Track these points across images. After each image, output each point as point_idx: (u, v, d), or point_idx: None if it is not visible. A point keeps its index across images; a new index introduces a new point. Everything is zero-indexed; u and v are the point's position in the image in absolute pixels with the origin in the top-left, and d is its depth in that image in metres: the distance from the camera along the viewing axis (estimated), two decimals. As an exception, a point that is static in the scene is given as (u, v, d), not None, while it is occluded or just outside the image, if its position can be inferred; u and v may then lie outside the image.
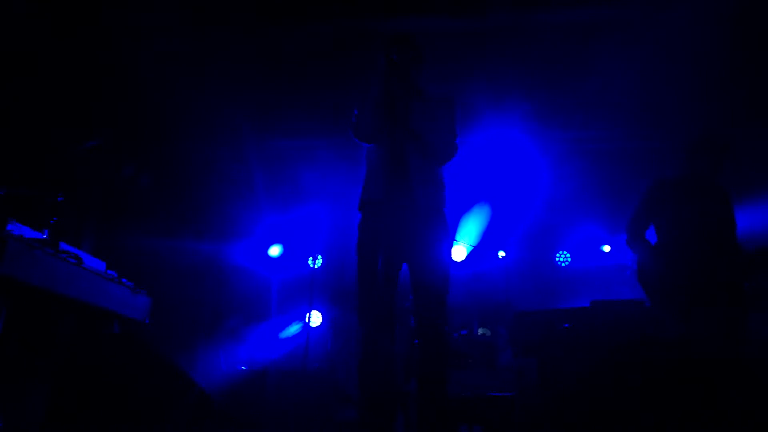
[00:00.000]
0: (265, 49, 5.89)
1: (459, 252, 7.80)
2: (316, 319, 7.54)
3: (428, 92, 3.47)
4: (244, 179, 7.91)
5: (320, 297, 7.52)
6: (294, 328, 7.34)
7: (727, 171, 4.13)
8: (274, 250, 8.43)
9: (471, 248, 7.70)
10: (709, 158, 4.09)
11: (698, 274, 3.82)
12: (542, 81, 6.16)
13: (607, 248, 8.17)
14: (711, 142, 4.12)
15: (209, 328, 8.05)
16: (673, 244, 4.00)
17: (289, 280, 8.24)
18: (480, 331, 6.70)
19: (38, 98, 5.79)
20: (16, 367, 3.65)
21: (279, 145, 7.64)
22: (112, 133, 6.63)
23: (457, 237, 7.67)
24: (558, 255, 8.40)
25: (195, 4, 5.20)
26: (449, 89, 3.54)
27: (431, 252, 3.20)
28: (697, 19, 5.00)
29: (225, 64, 6.02)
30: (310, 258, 7.70)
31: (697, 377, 3.15)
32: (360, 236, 3.26)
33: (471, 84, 6.22)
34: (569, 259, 8.36)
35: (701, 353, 3.41)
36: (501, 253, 7.90)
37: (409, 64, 3.30)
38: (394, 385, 3.15)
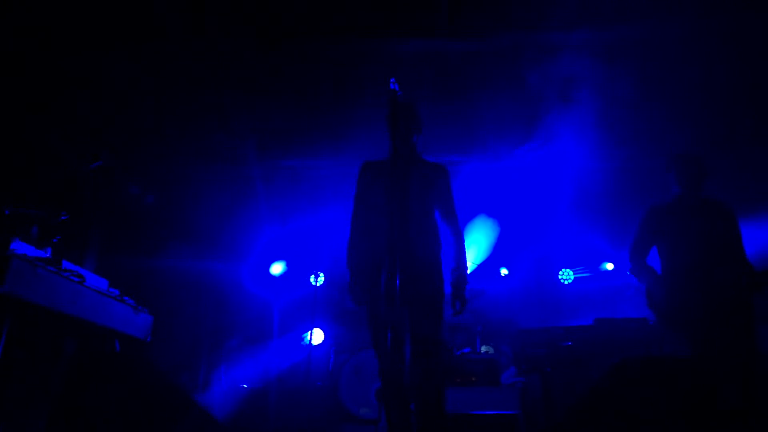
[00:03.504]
0: (269, 68, 5.93)
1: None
2: (318, 336, 7.51)
3: (424, 159, 3.84)
4: (247, 198, 7.93)
5: (322, 315, 7.50)
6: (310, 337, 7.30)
7: (722, 186, 4.18)
8: (277, 268, 8.43)
9: (475, 266, 7.69)
10: (677, 177, 4.18)
11: (703, 295, 3.82)
12: (545, 101, 6.19)
13: (610, 266, 8.16)
14: (674, 162, 4.23)
15: (211, 346, 8.03)
16: (676, 268, 4.02)
17: (291, 297, 8.23)
18: (483, 348, 6.66)
19: (43, 120, 5.84)
20: (18, 385, 3.64)
21: (281, 164, 7.66)
22: (115, 153, 6.67)
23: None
24: (561, 273, 8.38)
25: (197, 23, 5.25)
26: (442, 162, 3.90)
27: (423, 304, 3.39)
28: (701, 34, 5.06)
29: (226, 83, 6.06)
30: (312, 276, 7.70)
31: (703, 395, 3.13)
32: (364, 285, 3.54)
33: (476, 103, 6.26)
34: (572, 277, 8.35)
35: (709, 371, 3.40)
36: (504, 271, 7.89)
37: (408, 127, 3.69)
38: (411, 408, 3.31)
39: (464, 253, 3.68)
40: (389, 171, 3.49)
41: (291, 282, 8.39)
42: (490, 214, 7.83)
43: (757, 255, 4.29)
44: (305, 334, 7.35)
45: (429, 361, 3.28)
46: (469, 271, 3.73)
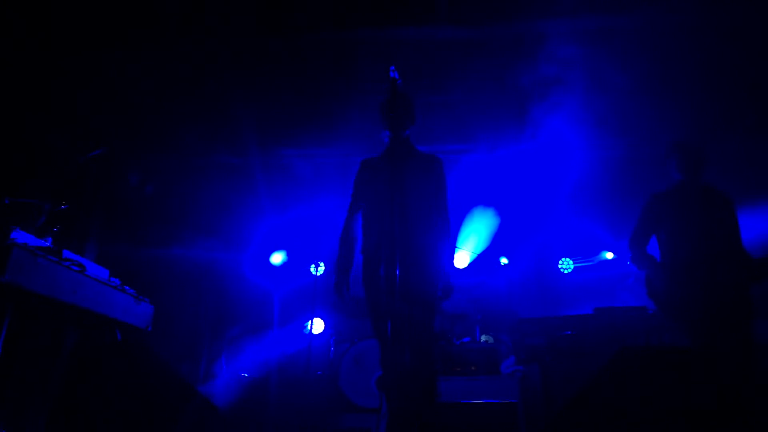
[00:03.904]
0: (268, 58, 5.91)
1: (462, 259, 7.79)
2: (318, 326, 7.53)
3: (419, 150, 3.90)
4: (247, 188, 7.92)
5: (323, 304, 7.51)
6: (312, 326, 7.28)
7: (723, 175, 4.17)
8: (277, 258, 8.44)
9: (475, 255, 7.70)
10: (676, 165, 4.17)
11: (704, 286, 3.82)
12: (544, 89, 6.17)
13: (609, 255, 8.16)
14: (673, 149, 4.22)
15: (212, 335, 8.05)
16: (676, 257, 4.02)
17: (291, 287, 8.25)
18: (482, 338, 6.68)
19: (43, 108, 5.82)
20: (19, 374, 3.66)
21: (281, 153, 7.65)
22: (115, 142, 6.66)
23: (461, 244, 7.68)
24: (560, 262, 8.39)
25: (196, 13, 5.22)
26: (441, 151, 4.12)
27: (418, 289, 3.45)
28: (702, 22, 5.04)
29: (226, 72, 6.04)
30: (313, 265, 7.71)
31: (702, 386, 3.14)
32: (364, 277, 3.62)
33: (475, 92, 6.24)
34: (572, 266, 8.36)
35: (708, 362, 3.41)
36: (503, 260, 7.89)
37: (403, 120, 3.72)
38: (409, 396, 3.35)
39: (450, 250, 3.76)
40: (387, 161, 3.58)
41: (291, 271, 8.40)
42: (490, 203, 7.83)
43: (756, 243, 4.30)
44: (306, 324, 7.37)
45: (421, 351, 3.34)
46: (458, 264, 3.78)
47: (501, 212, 7.89)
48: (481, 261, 7.83)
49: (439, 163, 3.82)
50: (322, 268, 7.49)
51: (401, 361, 3.26)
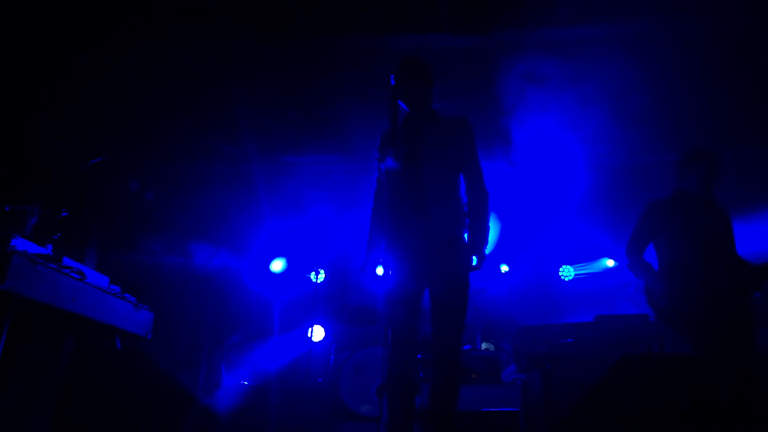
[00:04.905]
0: (269, 64, 5.93)
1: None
2: (318, 334, 7.51)
3: (441, 115, 3.55)
4: (247, 195, 7.92)
5: (323, 312, 7.50)
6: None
7: (720, 185, 4.15)
8: (277, 265, 8.43)
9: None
10: (699, 173, 4.11)
11: (704, 294, 3.81)
12: (547, 96, 6.18)
13: (610, 263, 8.14)
14: (700, 157, 4.15)
15: (212, 343, 8.03)
16: (675, 265, 4.00)
17: (291, 295, 8.23)
18: (483, 345, 6.66)
19: (42, 115, 5.83)
20: (19, 384, 3.64)
21: (281, 160, 7.66)
22: (115, 149, 6.66)
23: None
24: (561, 269, 8.37)
25: (197, 19, 5.24)
26: (462, 113, 3.58)
27: (448, 281, 3.30)
28: (704, 32, 5.05)
29: (226, 79, 6.06)
30: (313, 273, 7.69)
31: (703, 393, 3.13)
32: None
33: (477, 99, 6.25)
34: (572, 274, 8.34)
35: (708, 369, 3.40)
36: (504, 268, 7.88)
37: (415, 86, 3.41)
38: (413, 403, 3.20)
39: (484, 223, 3.40)
40: (400, 135, 3.25)
41: (291, 279, 8.38)
42: (491, 210, 7.80)
43: (754, 254, 4.28)
44: (306, 332, 7.35)
45: (443, 367, 3.19)
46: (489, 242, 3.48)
47: (501, 219, 7.88)
48: (482, 268, 7.80)
49: (464, 127, 3.46)
50: (322, 276, 7.48)
51: (403, 368, 3.18)
